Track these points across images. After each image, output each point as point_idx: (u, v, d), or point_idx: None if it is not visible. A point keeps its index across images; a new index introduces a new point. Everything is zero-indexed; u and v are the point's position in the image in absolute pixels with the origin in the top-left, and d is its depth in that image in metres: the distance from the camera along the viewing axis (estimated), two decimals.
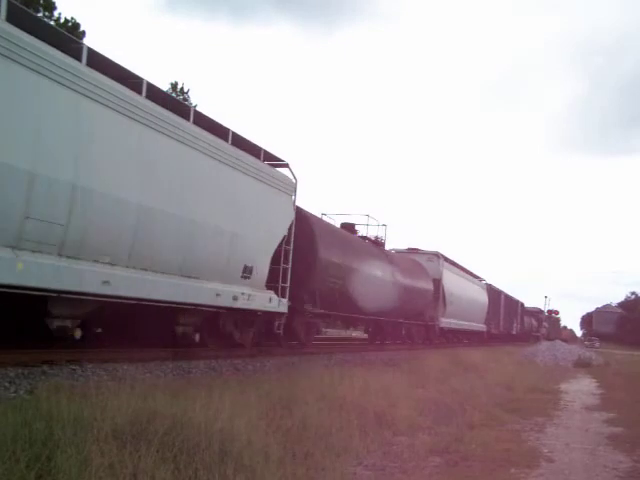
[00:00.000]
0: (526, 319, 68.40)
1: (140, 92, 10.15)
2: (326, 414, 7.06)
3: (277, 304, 14.39)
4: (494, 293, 46.56)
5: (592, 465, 7.04)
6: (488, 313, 42.73)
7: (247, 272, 13.09)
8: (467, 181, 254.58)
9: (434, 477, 6.00)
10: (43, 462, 4.07)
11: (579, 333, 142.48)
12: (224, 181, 12.26)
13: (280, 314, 14.68)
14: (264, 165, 14.02)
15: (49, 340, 9.69)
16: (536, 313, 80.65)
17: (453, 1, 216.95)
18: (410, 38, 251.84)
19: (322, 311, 17.13)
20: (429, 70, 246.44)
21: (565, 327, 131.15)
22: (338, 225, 21.10)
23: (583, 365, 25.64)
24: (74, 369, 8.63)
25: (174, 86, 42.44)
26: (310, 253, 16.13)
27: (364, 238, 22.83)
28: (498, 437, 7.97)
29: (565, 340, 69.11)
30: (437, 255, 30.94)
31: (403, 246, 31.57)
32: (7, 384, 7.38)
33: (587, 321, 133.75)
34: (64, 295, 8.78)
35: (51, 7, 30.69)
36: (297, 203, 15.73)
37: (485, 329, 42.32)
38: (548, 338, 73.89)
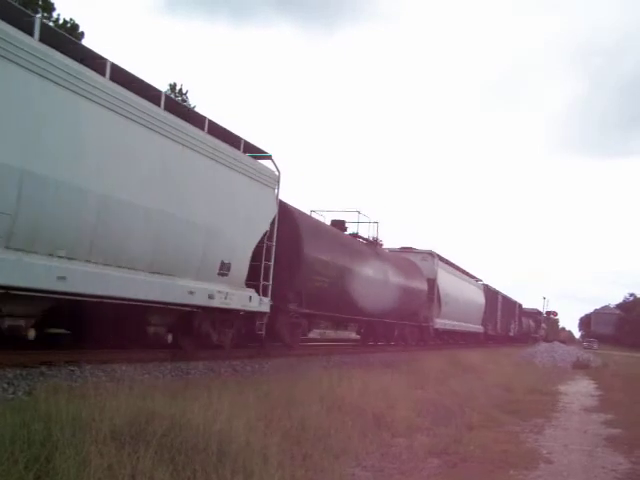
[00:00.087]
0: (524, 320, 68.16)
1: (103, 73, 9.39)
2: (325, 415, 7.06)
3: (258, 303, 13.61)
4: (491, 294, 45.89)
5: (590, 466, 7.05)
6: (485, 314, 42.05)
7: (224, 269, 12.31)
8: (465, 181, 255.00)
9: (433, 478, 6.00)
10: (42, 463, 4.07)
11: (577, 334, 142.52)
12: (199, 172, 11.54)
13: (262, 314, 13.92)
14: (244, 156, 13.24)
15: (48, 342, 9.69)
16: (534, 314, 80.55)
17: (453, 1, 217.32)
18: (410, 38, 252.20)
19: (308, 311, 16.43)
20: (429, 70, 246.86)
21: (563, 328, 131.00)
22: (328, 222, 20.43)
23: (582, 366, 25.65)
24: (72, 370, 8.62)
25: (173, 87, 42.48)
26: (295, 250, 15.41)
27: (355, 236, 22.03)
28: (497, 438, 7.98)
29: (563, 341, 69.01)
30: (431, 254, 30.14)
31: (398, 245, 30.79)
32: (5, 385, 7.37)
33: (586, 322, 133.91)
34: (13, 292, 8.05)
35: (50, 8, 30.69)
36: (285, 199, 15.35)
37: (482, 330, 41.61)
38: (546, 339, 73.81)
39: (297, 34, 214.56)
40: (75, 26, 31.18)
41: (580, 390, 16.72)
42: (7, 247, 7.94)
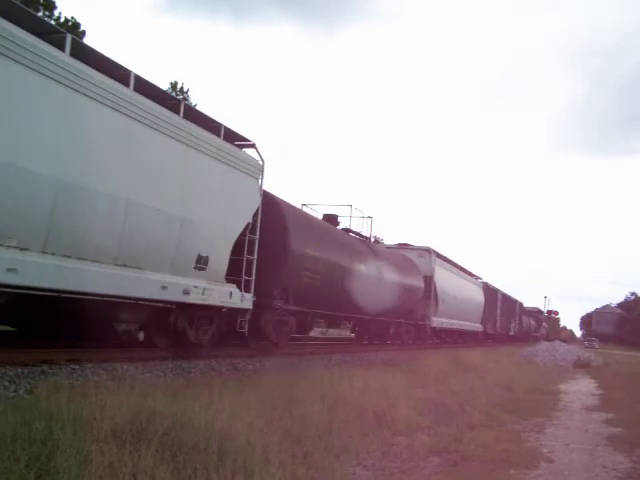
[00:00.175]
0: (525, 319, 67.95)
1: (63, 49, 8.72)
2: (326, 414, 7.07)
3: (240, 299, 12.89)
4: (491, 292, 45.26)
5: (591, 465, 7.05)
6: (484, 312, 41.34)
7: (202, 263, 11.60)
8: (466, 179, 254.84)
9: (433, 477, 6.00)
10: (43, 461, 4.07)
11: (579, 333, 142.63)
12: (172, 158, 10.83)
13: (244, 311, 13.20)
14: (224, 143, 12.42)
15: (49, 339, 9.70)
16: (535, 313, 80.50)
17: (453, 1, 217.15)
18: (410, 38, 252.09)
19: (296, 308, 15.72)
20: (429, 69, 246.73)
21: (564, 327, 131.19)
22: (320, 217, 19.60)
23: (582, 365, 25.65)
24: (74, 368, 8.63)
25: (174, 85, 42.54)
26: (281, 244, 14.67)
27: (347, 230, 21.16)
28: (498, 437, 7.98)
29: (564, 340, 69.01)
30: (428, 251, 29.23)
31: (396, 242, 30.32)
32: (7, 383, 7.38)
33: (587, 321, 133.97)
34: None
35: (51, 6, 30.73)
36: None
37: (481, 329, 41.01)
38: (547, 338, 73.77)
39: (298, 33, 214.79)
40: (76, 25, 31.21)
41: (581, 389, 16.72)
42: None
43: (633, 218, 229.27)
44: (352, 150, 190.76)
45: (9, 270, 7.81)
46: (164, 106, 10.70)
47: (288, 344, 16.16)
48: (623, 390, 15.23)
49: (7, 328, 10.91)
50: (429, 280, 27.79)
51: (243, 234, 13.03)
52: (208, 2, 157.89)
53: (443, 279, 30.40)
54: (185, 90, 43.38)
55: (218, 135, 12.28)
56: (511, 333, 55.82)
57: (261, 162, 13.79)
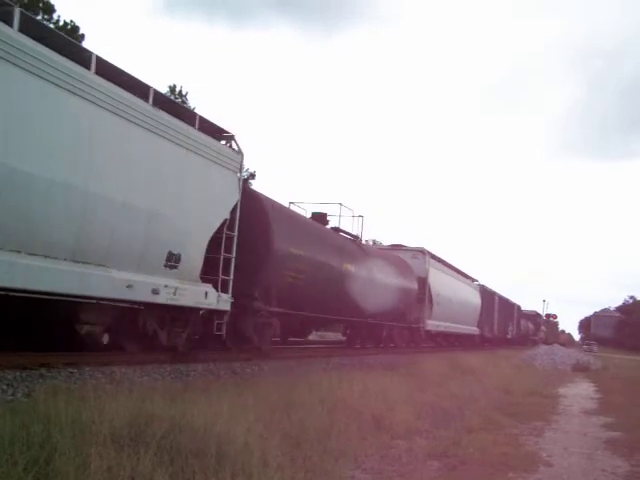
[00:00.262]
0: (523, 322, 67.73)
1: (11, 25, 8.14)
2: (325, 417, 7.06)
3: (216, 300, 12.09)
4: (488, 294, 44.32)
5: (590, 469, 7.05)
6: (481, 315, 40.38)
7: (173, 260, 10.86)
8: (465, 182, 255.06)
9: None
10: (41, 465, 4.06)
11: (577, 337, 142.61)
12: (139, 148, 10.12)
13: (221, 312, 12.38)
14: (199, 134, 11.68)
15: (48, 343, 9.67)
16: (533, 316, 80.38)
17: (453, 4, 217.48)
18: (410, 40, 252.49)
19: (278, 309, 14.85)
20: (429, 72, 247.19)
21: (563, 331, 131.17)
22: (309, 216, 18.84)
23: (581, 369, 25.68)
24: (72, 372, 8.61)
25: (172, 89, 42.56)
26: (263, 242, 13.88)
27: (337, 230, 20.25)
28: (496, 441, 7.98)
29: (563, 344, 68.98)
30: (422, 252, 28.27)
31: (390, 243, 29.35)
32: (5, 387, 7.36)
33: (585, 325, 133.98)
34: None
35: (50, 10, 30.76)
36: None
37: (478, 332, 40.06)
38: (546, 342, 73.75)
39: (297, 36, 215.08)
40: (75, 28, 31.25)
41: (580, 393, 16.72)
42: None
43: (632, 222, 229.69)
44: (350, 151, 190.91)
45: None
46: (131, 92, 10.06)
47: (272, 347, 15.43)
48: (622, 394, 15.24)
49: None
50: (423, 282, 27.07)
51: (220, 231, 12.26)
52: (206, 5, 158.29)
53: (438, 281, 29.65)
54: (184, 93, 43.44)
55: (193, 125, 11.57)
56: (509, 336, 55.34)
57: (240, 155, 13.09)
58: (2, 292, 8.10)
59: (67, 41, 9.27)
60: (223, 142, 13.00)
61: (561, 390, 16.78)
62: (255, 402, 7.02)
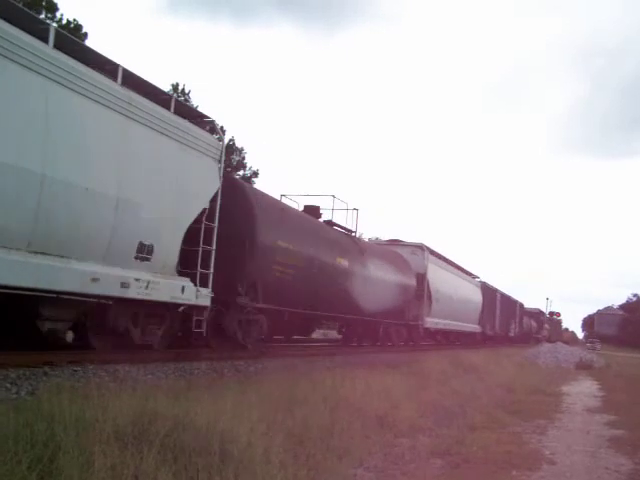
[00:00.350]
0: (525, 320, 67.45)
1: None
2: (328, 416, 7.06)
3: (194, 295, 11.42)
4: (489, 292, 43.69)
5: (594, 467, 7.04)
6: (482, 313, 39.96)
7: (145, 252, 10.19)
8: (467, 180, 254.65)
9: (435, 479, 6.00)
10: (45, 463, 4.07)
11: (581, 335, 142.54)
12: (105, 130, 9.49)
13: (201, 308, 11.75)
14: (174, 118, 11.02)
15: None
16: (536, 314, 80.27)
17: (455, 3, 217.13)
18: (412, 39, 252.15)
19: (265, 306, 14.12)
20: (431, 71, 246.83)
21: (566, 329, 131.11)
22: (302, 208, 18.41)
23: (584, 367, 25.63)
24: (75, 370, 8.62)
25: (175, 87, 42.59)
26: (247, 234, 13.20)
27: (330, 223, 19.55)
28: (499, 439, 7.97)
29: (566, 342, 68.92)
30: (421, 247, 27.64)
31: (388, 238, 28.84)
32: (9, 385, 7.38)
33: (589, 323, 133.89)
34: None
35: (53, 8, 30.79)
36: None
37: (479, 330, 39.74)
38: (549, 340, 73.68)
39: (299, 34, 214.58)
40: (78, 27, 31.27)
41: (583, 391, 16.70)
42: None
43: (636, 220, 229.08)
44: (351, 146, 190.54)
45: None
46: (97, 70, 9.52)
47: (259, 346, 14.75)
48: (625, 392, 15.22)
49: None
50: (422, 278, 26.49)
51: (199, 221, 11.65)
52: (209, 4, 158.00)
53: (437, 277, 29.05)
54: (187, 91, 43.47)
55: (167, 108, 10.95)
56: (511, 334, 54.86)
57: (221, 141, 12.48)
58: None
59: (10, 4, 8.61)
60: (208, 130, 12.42)
61: (564, 388, 16.76)
62: (258, 400, 7.03)
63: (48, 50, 8.60)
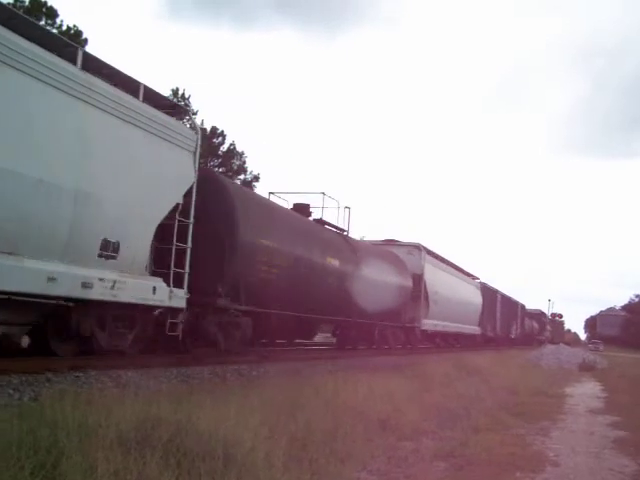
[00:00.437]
0: (527, 322, 67.16)
1: None
2: (330, 419, 7.06)
3: (167, 296, 10.66)
4: (489, 293, 42.88)
5: (597, 469, 7.03)
6: (482, 314, 39.03)
7: (110, 249, 9.45)
8: (467, 181, 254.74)
9: None
10: (48, 469, 4.07)
11: (583, 336, 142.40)
12: (62, 117, 8.73)
13: (176, 310, 11.02)
14: (143, 106, 10.28)
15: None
16: (538, 316, 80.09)
17: (455, 4, 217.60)
18: (412, 40, 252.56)
19: (247, 308, 13.25)
20: (430, 71, 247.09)
21: (569, 330, 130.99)
22: (291, 206, 17.71)
23: (587, 368, 25.61)
24: (78, 376, 8.62)
25: (175, 92, 42.71)
26: (227, 231, 12.44)
27: (321, 222, 18.83)
28: (503, 441, 7.96)
29: (569, 343, 68.83)
30: (418, 247, 26.80)
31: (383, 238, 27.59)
32: (11, 391, 7.39)
33: (591, 324, 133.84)
34: None
35: (53, 15, 30.89)
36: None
37: (479, 332, 38.82)
38: (552, 342, 73.58)
39: (300, 38, 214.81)
40: (79, 33, 31.35)
41: (586, 392, 16.68)
42: None
43: (636, 219, 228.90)
44: (351, 148, 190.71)
45: None
46: (54, 52, 8.80)
47: (245, 351, 13.95)
48: (628, 393, 15.19)
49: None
50: (419, 279, 25.72)
51: (172, 217, 10.91)
52: (210, 8, 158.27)
53: (435, 278, 28.19)
54: (187, 96, 43.57)
55: (136, 95, 10.26)
56: (512, 336, 54.26)
57: (196, 133, 11.68)
58: None
59: None
60: (187, 122, 11.83)
61: (567, 389, 16.74)
62: (261, 404, 7.03)
63: None
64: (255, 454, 5.00)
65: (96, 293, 9.23)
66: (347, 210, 20.17)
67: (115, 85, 9.91)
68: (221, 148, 47.53)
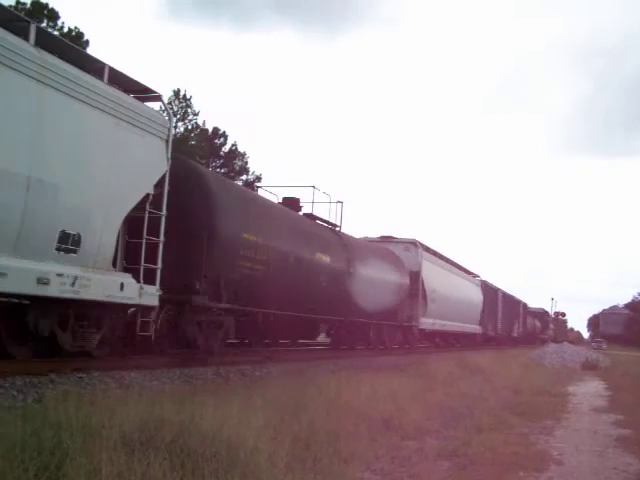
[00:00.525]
0: (529, 320, 66.96)
1: None
2: (333, 419, 7.06)
3: (137, 293, 9.93)
4: (490, 291, 42.44)
5: (601, 468, 7.02)
6: (483, 313, 38.63)
7: (69, 242, 8.71)
8: (469, 179, 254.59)
9: None
10: (52, 471, 4.08)
11: (586, 335, 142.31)
12: (12, 98, 8.08)
13: (147, 308, 10.31)
14: (108, 88, 9.58)
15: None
16: (541, 314, 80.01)
17: (455, 4, 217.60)
18: (412, 40, 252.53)
19: (230, 306, 12.62)
20: (431, 72, 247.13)
21: (572, 329, 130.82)
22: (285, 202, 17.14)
23: (591, 367, 25.55)
24: (81, 377, 8.64)
25: (177, 93, 42.75)
26: (205, 225, 11.81)
27: (311, 217, 18.16)
28: (506, 440, 7.95)
29: (572, 342, 68.69)
30: (415, 243, 26.16)
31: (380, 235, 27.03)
32: (15, 393, 7.41)
33: (594, 323, 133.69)
34: None
35: (55, 17, 30.95)
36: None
37: (480, 331, 38.38)
38: (555, 340, 73.46)
39: (300, 39, 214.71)
40: (80, 34, 31.40)
41: (589, 391, 16.66)
42: None
43: (638, 217, 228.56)
44: (350, 148, 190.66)
45: None
46: (1, 26, 8.14)
47: (228, 352, 13.37)
48: (632, 391, 15.15)
49: None
50: (416, 276, 25.05)
51: (142, 209, 10.22)
52: (210, 8, 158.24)
53: (433, 275, 27.52)
54: (188, 97, 43.63)
55: (100, 77, 9.58)
56: (514, 335, 53.93)
57: (167, 119, 11.02)
58: None
59: None
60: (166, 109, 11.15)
61: (570, 388, 16.71)
62: (264, 404, 7.02)
63: None
64: (259, 454, 5.00)
65: (54, 290, 8.48)
66: (339, 205, 19.61)
67: (76, 64, 9.16)
68: (223, 149, 47.58)
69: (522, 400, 12.58)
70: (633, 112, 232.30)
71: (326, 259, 17.10)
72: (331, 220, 19.35)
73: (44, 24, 28.59)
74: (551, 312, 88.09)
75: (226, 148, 47.71)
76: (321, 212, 18.86)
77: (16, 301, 8.52)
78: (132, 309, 10.27)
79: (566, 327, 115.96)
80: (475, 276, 40.95)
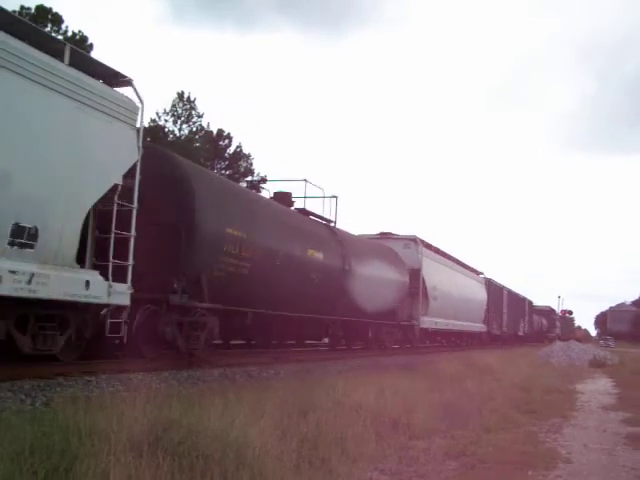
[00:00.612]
0: (536, 318, 66.50)
1: None
2: (341, 420, 7.06)
3: (105, 292, 9.22)
4: (495, 289, 41.75)
5: (611, 465, 7.00)
6: (488, 311, 37.98)
7: (25, 237, 8.02)
8: (474, 175, 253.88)
9: None
10: (61, 474, 4.10)
11: (594, 333, 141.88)
12: None
13: (118, 308, 9.59)
14: (69, 70, 8.90)
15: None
16: (547, 312, 79.67)
17: (457, 4, 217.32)
18: (416, 41, 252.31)
19: (212, 305, 11.91)
20: (433, 72, 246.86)
21: (579, 327, 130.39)
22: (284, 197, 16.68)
23: (598, 365, 25.48)
24: (89, 380, 8.67)
25: (181, 95, 42.85)
26: (183, 218, 11.16)
27: (304, 212, 17.57)
28: (515, 439, 7.94)
29: (579, 340, 68.43)
30: (415, 240, 25.36)
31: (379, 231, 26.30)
32: (23, 397, 7.43)
33: (601, 320, 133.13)
34: None
35: (59, 21, 31.07)
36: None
37: (485, 330, 37.71)
38: (562, 338, 73.20)
39: (304, 40, 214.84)
40: (84, 38, 31.52)
41: (598, 388, 16.61)
42: None
43: None
44: (350, 147, 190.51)
45: None
46: None
47: (214, 353, 12.75)
48: None
49: None
50: (416, 274, 24.37)
51: (109, 201, 9.55)
52: (214, 10, 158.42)
53: (434, 273, 26.79)
54: (192, 100, 43.73)
55: (60, 58, 8.92)
56: (520, 333, 53.29)
57: (138, 104, 10.20)
58: None
59: None
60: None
61: (579, 386, 16.67)
62: (272, 405, 7.03)
63: None
64: (267, 455, 5.01)
65: (7, 288, 7.75)
66: (334, 199, 18.91)
67: (34, 44, 8.54)
68: (228, 151, 47.66)
69: (530, 398, 12.55)
70: (635, 110, 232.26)
71: (319, 256, 16.48)
72: (325, 215, 18.71)
73: (48, 28, 28.73)
74: (558, 310, 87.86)
75: (231, 150, 47.81)
76: (316, 208, 18.37)
77: None
78: (107, 309, 9.51)
79: (573, 325, 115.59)
80: (479, 274, 40.28)
